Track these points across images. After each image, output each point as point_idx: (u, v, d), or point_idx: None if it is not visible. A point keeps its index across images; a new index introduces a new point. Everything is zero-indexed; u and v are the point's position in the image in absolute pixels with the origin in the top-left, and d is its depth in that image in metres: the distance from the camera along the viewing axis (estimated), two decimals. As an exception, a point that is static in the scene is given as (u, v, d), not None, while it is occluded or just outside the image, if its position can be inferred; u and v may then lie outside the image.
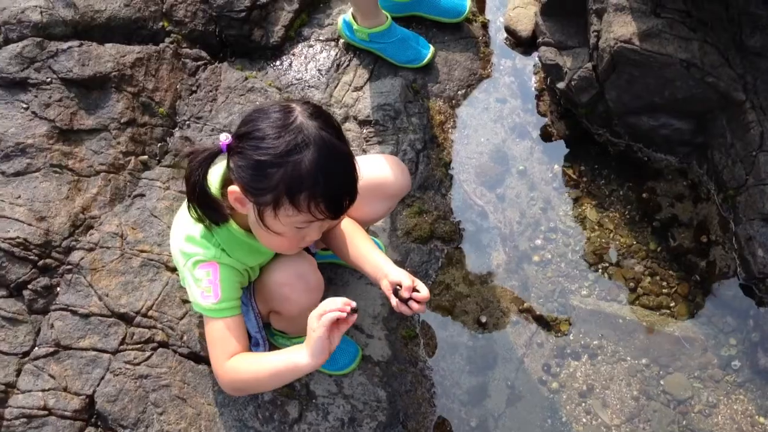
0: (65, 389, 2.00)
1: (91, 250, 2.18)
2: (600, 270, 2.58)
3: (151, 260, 2.20)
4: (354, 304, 1.61)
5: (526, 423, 2.33)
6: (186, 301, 2.17)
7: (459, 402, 2.35)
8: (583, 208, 2.70)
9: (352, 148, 2.53)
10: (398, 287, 1.76)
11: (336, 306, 1.60)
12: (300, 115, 1.57)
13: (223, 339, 1.78)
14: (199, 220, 1.74)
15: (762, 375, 2.35)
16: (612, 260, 2.58)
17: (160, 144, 2.44)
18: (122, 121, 2.39)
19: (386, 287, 1.79)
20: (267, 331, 2.08)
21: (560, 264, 2.61)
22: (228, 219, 1.75)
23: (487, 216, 2.70)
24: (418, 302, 1.75)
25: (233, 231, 1.77)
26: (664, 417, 2.32)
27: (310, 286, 1.90)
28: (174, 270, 2.20)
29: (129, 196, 2.31)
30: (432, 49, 2.84)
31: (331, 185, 1.58)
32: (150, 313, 2.14)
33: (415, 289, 1.76)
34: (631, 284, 2.53)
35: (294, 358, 1.66)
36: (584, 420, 2.34)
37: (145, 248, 2.22)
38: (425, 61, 2.81)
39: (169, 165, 2.40)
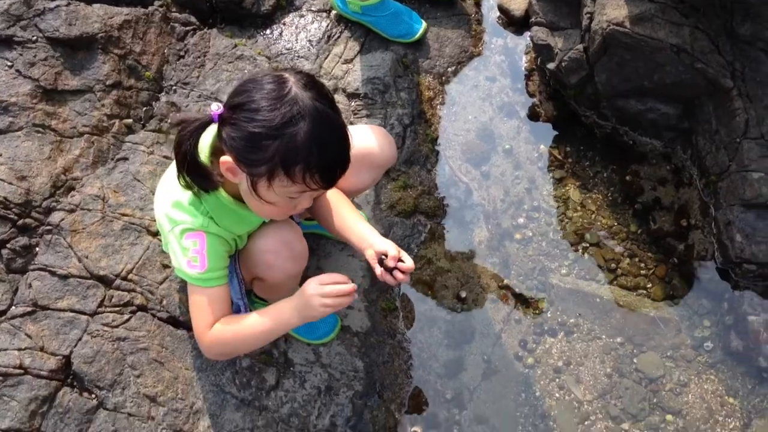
0: (42, 349, 2.01)
1: (71, 211, 2.17)
2: (580, 250, 2.60)
3: (133, 224, 2.20)
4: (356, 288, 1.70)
5: (500, 396, 2.36)
6: (166, 266, 2.17)
7: (435, 374, 2.38)
8: (567, 188, 2.72)
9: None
10: (383, 257, 1.78)
11: (346, 291, 1.67)
12: (294, 86, 1.56)
13: (207, 308, 1.80)
14: (188, 187, 1.73)
15: (733, 357, 2.39)
16: (592, 241, 2.61)
17: (145, 108, 2.42)
18: (107, 83, 2.37)
19: (371, 257, 1.81)
20: (248, 298, 2.09)
21: (541, 243, 2.63)
22: (218, 187, 1.74)
23: (472, 193, 2.71)
24: (402, 272, 1.77)
25: (222, 199, 1.77)
26: (635, 394, 2.36)
27: (295, 253, 1.92)
28: (155, 234, 2.20)
29: (112, 159, 2.30)
30: (424, 24, 2.83)
31: (325, 156, 1.58)
32: (130, 276, 2.14)
33: (400, 260, 1.77)
34: (611, 265, 2.56)
35: (283, 316, 1.74)
36: (557, 395, 2.37)
37: (126, 212, 2.22)
38: (417, 36, 2.80)
39: (154, 129, 2.38)
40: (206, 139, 1.73)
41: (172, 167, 1.81)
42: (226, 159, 1.62)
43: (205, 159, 1.71)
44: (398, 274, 1.77)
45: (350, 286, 1.69)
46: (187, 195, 1.77)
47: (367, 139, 2.04)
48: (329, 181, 1.63)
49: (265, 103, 1.54)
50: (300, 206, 1.74)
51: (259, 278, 1.96)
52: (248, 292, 2.09)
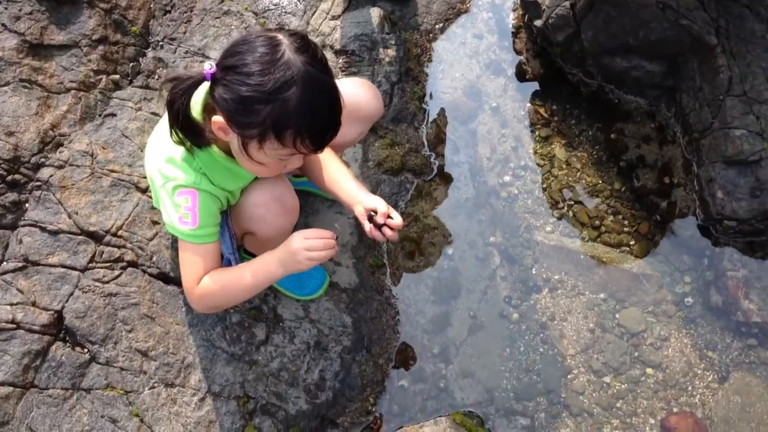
0: (33, 304, 2.02)
1: (60, 167, 2.17)
2: (565, 207, 2.64)
3: (122, 180, 2.20)
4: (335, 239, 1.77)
5: (485, 352, 2.41)
6: (156, 223, 2.18)
7: (422, 330, 2.42)
8: (553, 146, 2.74)
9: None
10: (373, 213, 1.81)
11: (326, 246, 1.75)
12: (287, 49, 1.55)
13: (197, 263, 1.82)
14: (180, 143, 1.73)
15: (713, 311, 2.45)
16: (577, 198, 2.64)
17: (132, 64, 2.41)
18: (94, 38, 2.35)
19: (360, 213, 1.84)
20: (239, 254, 2.11)
21: (527, 200, 2.66)
22: (210, 143, 1.75)
23: (458, 151, 2.73)
24: (391, 229, 1.81)
25: (214, 155, 1.78)
26: (617, 348, 2.42)
27: (287, 208, 1.94)
28: (145, 191, 2.21)
29: (100, 115, 2.29)
30: None
31: (316, 121, 1.60)
32: (120, 232, 2.15)
33: (389, 216, 1.81)
34: (594, 222, 2.60)
35: (269, 269, 1.80)
36: (541, 350, 2.43)
37: (115, 168, 2.22)
38: None
39: (142, 85, 2.37)
40: (198, 96, 1.73)
41: (164, 122, 1.81)
42: (217, 119, 1.62)
43: (197, 116, 1.71)
44: (387, 231, 1.81)
45: (333, 240, 1.77)
46: (179, 151, 1.77)
47: (353, 92, 2.03)
48: (319, 146, 1.65)
49: (257, 66, 1.53)
50: (290, 166, 1.77)
51: (251, 233, 1.98)
52: (239, 247, 2.11)
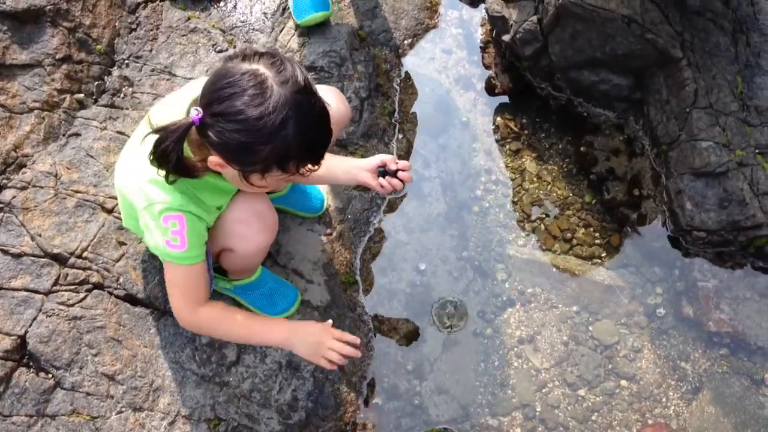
0: (-4, 329, 1.97)
1: (23, 188, 2.13)
2: (537, 221, 2.64)
3: (87, 201, 2.16)
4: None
5: (460, 367, 2.40)
6: (122, 243, 2.14)
7: (396, 346, 2.40)
8: (523, 160, 2.75)
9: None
10: (381, 168, 1.92)
11: (350, 354, 1.81)
12: (274, 84, 1.51)
13: (190, 284, 1.81)
14: (167, 178, 1.68)
15: (685, 322, 2.46)
16: (548, 212, 2.65)
17: (97, 83, 2.37)
18: (57, 57, 2.31)
19: (367, 177, 1.93)
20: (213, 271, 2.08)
21: (499, 214, 2.66)
22: (201, 176, 1.70)
23: (430, 165, 2.73)
24: (404, 172, 1.93)
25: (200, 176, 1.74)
26: (591, 361, 2.42)
27: (267, 224, 1.93)
28: (110, 212, 2.17)
29: (64, 135, 2.25)
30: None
31: (315, 146, 1.62)
32: (85, 254, 2.11)
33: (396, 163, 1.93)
34: (566, 235, 2.60)
35: (277, 335, 1.86)
36: (516, 364, 2.42)
37: (80, 189, 2.18)
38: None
39: (107, 104, 2.34)
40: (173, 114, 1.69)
41: (136, 139, 1.77)
42: (215, 159, 1.60)
43: (187, 152, 1.67)
44: (404, 175, 1.94)
45: (358, 351, 1.83)
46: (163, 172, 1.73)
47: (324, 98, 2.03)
48: (318, 162, 1.67)
49: (250, 111, 1.50)
50: (291, 180, 1.83)
51: (229, 249, 1.94)
52: (215, 264, 2.08)
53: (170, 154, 1.60)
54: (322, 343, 1.80)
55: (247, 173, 1.62)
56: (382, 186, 1.94)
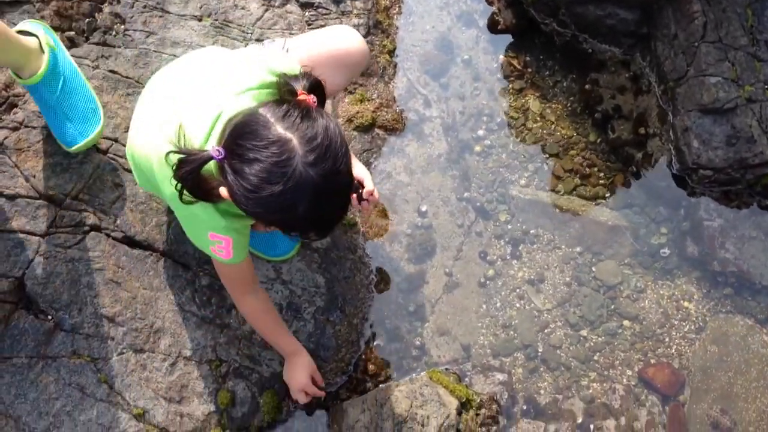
0: (-7, 271, 1.95)
1: (15, 129, 2.08)
2: (540, 161, 2.60)
3: (81, 142, 2.12)
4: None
5: (461, 308, 2.38)
6: (118, 185, 2.11)
7: (397, 288, 2.39)
8: (527, 99, 2.69)
9: (292, 32, 2.45)
10: (360, 186, 1.99)
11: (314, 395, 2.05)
12: (299, 164, 1.41)
13: (240, 278, 1.88)
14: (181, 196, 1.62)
15: (689, 262, 2.44)
16: (552, 151, 2.60)
17: (88, 20, 2.29)
18: (46, -7, 2.24)
19: None
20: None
21: (501, 155, 2.61)
22: (216, 201, 1.63)
23: (431, 105, 2.67)
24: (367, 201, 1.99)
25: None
26: (593, 301, 2.40)
27: None
28: (105, 152, 2.12)
29: (55, 74, 2.19)
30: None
31: (324, 226, 1.59)
32: (80, 196, 2.07)
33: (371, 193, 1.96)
34: (569, 175, 2.56)
35: (286, 347, 2.04)
36: (518, 305, 2.40)
37: (73, 129, 2.13)
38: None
39: (98, 42, 2.27)
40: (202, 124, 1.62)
41: (155, 114, 1.73)
42: (224, 192, 1.52)
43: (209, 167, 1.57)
44: (371, 198, 2.00)
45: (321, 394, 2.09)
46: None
47: (342, 39, 1.94)
48: (326, 236, 1.69)
49: (264, 186, 1.42)
50: None
51: None
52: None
53: (187, 182, 1.54)
54: (301, 384, 2.03)
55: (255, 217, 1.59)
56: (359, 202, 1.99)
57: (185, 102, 1.68)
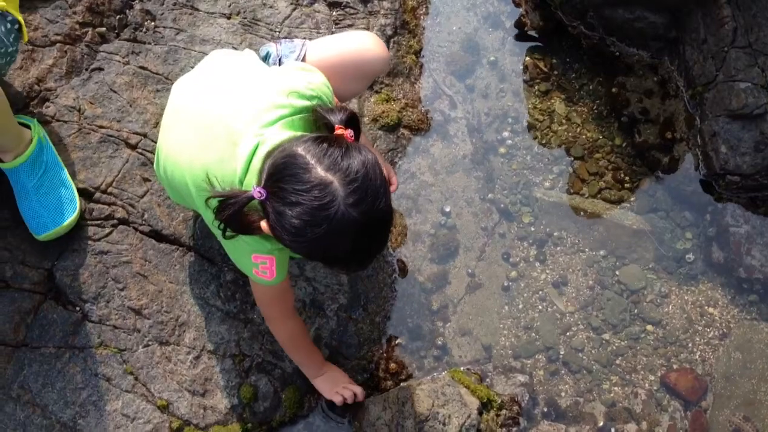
0: (23, 262, 1.98)
1: (46, 123, 2.11)
2: (564, 164, 2.59)
3: (111, 136, 2.15)
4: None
5: (483, 309, 2.38)
6: (147, 180, 2.13)
7: (420, 288, 2.39)
8: (552, 101, 2.68)
9: (319, 32, 2.46)
10: None
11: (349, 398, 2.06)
12: (341, 204, 1.42)
13: (283, 299, 1.90)
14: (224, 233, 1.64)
15: (714, 268, 2.42)
16: (577, 154, 2.59)
17: (119, 16, 2.33)
18: (79, -11, 2.27)
19: None
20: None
21: (526, 156, 2.61)
22: (257, 234, 1.63)
23: (456, 106, 2.67)
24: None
25: None
26: (616, 305, 2.39)
27: None
28: (134, 147, 2.15)
29: (86, 69, 2.22)
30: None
31: (364, 259, 1.62)
32: (110, 189, 2.10)
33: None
34: (595, 178, 2.55)
35: (313, 366, 2.07)
36: (540, 307, 2.40)
37: (104, 124, 2.16)
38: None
39: (129, 39, 2.30)
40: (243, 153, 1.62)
41: (179, 124, 1.75)
42: (265, 226, 1.53)
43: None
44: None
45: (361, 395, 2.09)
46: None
47: (361, 46, 1.94)
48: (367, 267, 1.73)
49: (306, 229, 1.43)
50: None
51: None
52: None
53: (231, 223, 1.55)
54: (339, 383, 2.06)
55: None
56: None
57: (218, 131, 1.66)
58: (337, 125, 1.53)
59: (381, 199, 1.47)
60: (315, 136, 1.50)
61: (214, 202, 1.53)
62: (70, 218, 1.99)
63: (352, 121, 1.56)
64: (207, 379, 2.03)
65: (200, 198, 1.65)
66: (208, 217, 1.66)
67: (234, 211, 1.50)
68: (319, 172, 1.42)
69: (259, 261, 1.72)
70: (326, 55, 1.91)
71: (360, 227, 1.45)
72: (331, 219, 1.42)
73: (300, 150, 1.46)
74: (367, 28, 2.56)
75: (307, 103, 1.66)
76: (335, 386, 2.06)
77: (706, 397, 2.28)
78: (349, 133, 1.52)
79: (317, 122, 1.60)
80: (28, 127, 2.00)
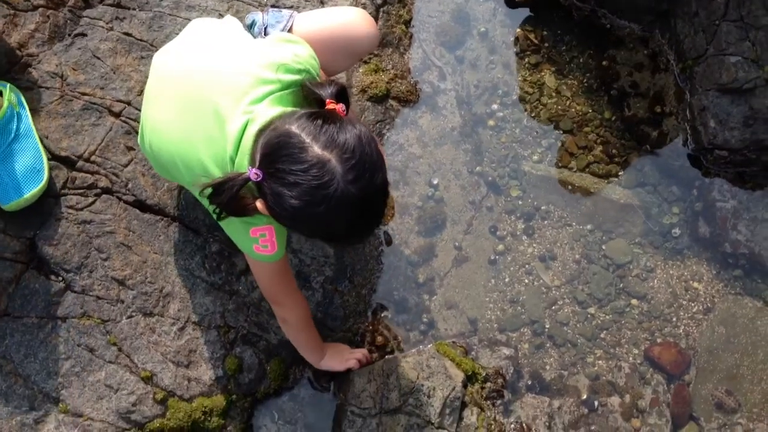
0: (4, 231, 1.95)
1: (29, 89, 2.07)
2: (553, 137, 2.58)
3: (93, 104, 2.11)
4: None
5: (470, 282, 2.38)
6: (131, 149, 2.10)
7: (406, 260, 2.38)
8: (542, 74, 2.66)
9: (308, 0, 2.42)
10: None
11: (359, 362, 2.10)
12: (340, 182, 1.41)
13: (286, 276, 1.87)
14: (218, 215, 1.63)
15: (700, 243, 2.43)
16: (566, 128, 2.58)
17: (102, -19, 2.28)
18: (60, -47, 2.22)
19: None
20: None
21: (515, 129, 2.59)
22: (251, 215, 1.63)
23: (445, 77, 2.64)
24: None
25: None
26: (602, 279, 2.40)
27: None
28: (118, 115, 2.12)
29: (69, 35, 2.18)
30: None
31: (363, 234, 1.70)
32: (93, 158, 2.07)
33: None
34: (583, 152, 2.54)
35: (317, 349, 2.06)
36: (526, 281, 2.40)
37: (86, 91, 2.12)
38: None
39: (112, 4, 2.25)
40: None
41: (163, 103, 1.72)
42: (261, 206, 1.52)
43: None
44: None
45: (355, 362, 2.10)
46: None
47: (351, 23, 1.91)
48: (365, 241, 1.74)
49: (305, 208, 1.42)
50: None
51: None
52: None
53: (226, 207, 1.55)
54: (345, 353, 2.10)
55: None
56: None
57: (204, 107, 1.63)
58: (328, 99, 1.51)
59: (378, 173, 1.47)
60: (308, 113, 1.48)
61: (208, 189, 1.52)
62: (35, 189, 1.93)
63: (342, 95, 1.54)
64: (191, 350, 2.03)
65: (191, 177, 1.65)
66: (204, 202, 1.63)
67: (231, 195, 1.50)
68: (316, 150, 1.41)
69: (258, 234, 1.70)
70: (314, 29, 1.87)
71: (359, 203, 1.44)
72: (331, 197, 1.41)
73: (294, 128, 1.44)
74: (357, -3, 2.52)
75: (295, 77, 1.63)
76: (343, 358, 2.08)
77: (689, 370, 2.30)
78: (340, 107, 1.50)
79: (307, 97, 1.57)
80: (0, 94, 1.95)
